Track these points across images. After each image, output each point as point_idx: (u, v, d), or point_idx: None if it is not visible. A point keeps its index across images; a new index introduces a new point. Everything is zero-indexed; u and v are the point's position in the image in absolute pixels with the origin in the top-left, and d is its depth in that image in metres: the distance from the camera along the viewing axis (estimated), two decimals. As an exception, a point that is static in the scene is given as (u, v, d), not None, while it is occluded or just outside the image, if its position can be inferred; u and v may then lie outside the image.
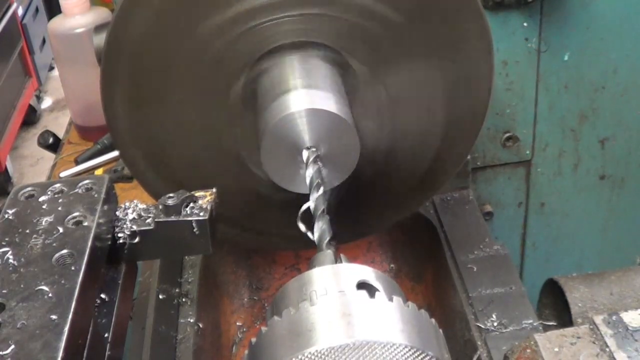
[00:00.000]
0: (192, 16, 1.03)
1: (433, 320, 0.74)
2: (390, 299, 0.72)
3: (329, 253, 0.86)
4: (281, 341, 0.70)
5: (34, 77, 4.77)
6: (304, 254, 1.48)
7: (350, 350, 0.66)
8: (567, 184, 1.72)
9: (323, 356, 0.66)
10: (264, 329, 0.73)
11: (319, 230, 0.92)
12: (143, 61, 1.06)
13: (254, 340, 0.73)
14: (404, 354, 0.66)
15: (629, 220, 1.79)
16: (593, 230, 1.80)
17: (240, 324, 1.44)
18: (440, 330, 0.75)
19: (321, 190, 0.97)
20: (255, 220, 1.25)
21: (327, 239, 0.90)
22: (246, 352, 0.75)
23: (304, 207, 0.95)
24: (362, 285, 0.75)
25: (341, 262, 0.84)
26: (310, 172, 0.98)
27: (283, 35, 1.06)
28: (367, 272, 0.77)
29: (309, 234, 0.93)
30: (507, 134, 1.61)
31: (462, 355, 1.19)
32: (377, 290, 0.74)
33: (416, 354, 0.67)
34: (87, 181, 0.90)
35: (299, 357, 0.67)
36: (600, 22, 1.50)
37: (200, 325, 1.25)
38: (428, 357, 0.68)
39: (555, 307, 1.21)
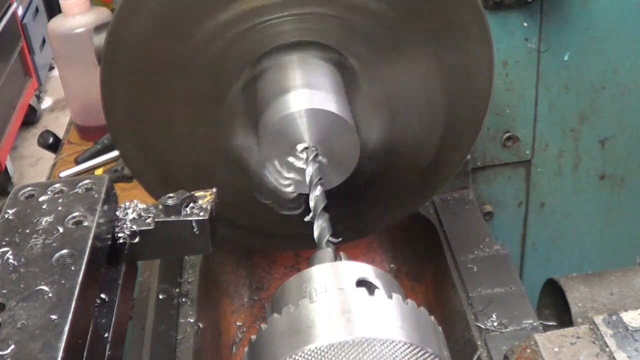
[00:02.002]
0: (192, 16, 1.03)
1: (432, 317, 0.74)
2: (390, 297, 0.72)
3: (328, 251, 0.87)
4: (281, 338, 0.70)
5: (34, 77, 4.77)
6: (304, 254, 1.48)
7: (350, 347, 0.66)
8: (567, 184, 1.72)
9: (322, 353, 0.66)
10: (263, 326, 0.73)
11: (319, 229, 0.92)
12: (143, 61, 1.06)
13: (253, 337, 0.73)
14: (403, 351, 0.66)
15: (629, 220, 1.79)
16: (593, 230, 1.80)
17: (240, 324, 1.43)
18: (440, 328, 0.75)
19: (321, 189, 0.97)
20: (255, 219, 1.24)
21: (327, 237, 0.91)
22: (246, 349, 0.75)
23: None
24: (361, 282, 0.75)
25: (340, 260, 0.84)
26: (310, 170, 0.98)
27: (283, 35, 1.06)
28: (366, 270, 0.77)
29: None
30: (507, 134, 1.61)
31: (462, 355, 1.19)
32: (377, 287, 0.74)
33: (415, 351, 0.67)
34: (87, 181, 0.89)
35: (299, 354, 0.67)
36: (600, 22, 1.50)
37: (200, 325, 1.25)
38: (427, 354, 0.68)
39: (555, 307, 1.21)
